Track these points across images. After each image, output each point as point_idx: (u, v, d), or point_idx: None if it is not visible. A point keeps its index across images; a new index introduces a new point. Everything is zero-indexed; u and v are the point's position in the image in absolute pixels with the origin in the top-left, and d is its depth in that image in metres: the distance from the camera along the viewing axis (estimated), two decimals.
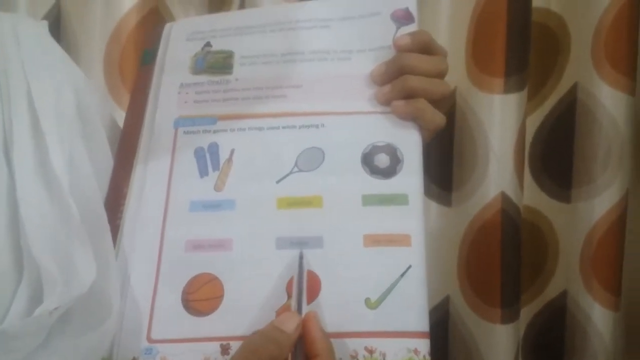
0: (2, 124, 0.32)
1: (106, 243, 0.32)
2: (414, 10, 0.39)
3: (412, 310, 0.32)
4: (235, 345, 0.31)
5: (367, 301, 0.32)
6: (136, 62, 0.48)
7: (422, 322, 0.31)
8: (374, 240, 0.33)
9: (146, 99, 0.38)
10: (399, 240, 0.33)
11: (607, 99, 0.56)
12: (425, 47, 0.37)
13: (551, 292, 0.60)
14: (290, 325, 0.29)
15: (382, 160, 0.35)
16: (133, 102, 0.39)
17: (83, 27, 0.58)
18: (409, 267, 0.32)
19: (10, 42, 0.34)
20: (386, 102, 0.36)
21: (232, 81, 0.38)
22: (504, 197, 0.56)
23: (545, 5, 0.59)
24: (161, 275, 0.33)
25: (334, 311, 0.31)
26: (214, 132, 0.37)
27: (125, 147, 0.37)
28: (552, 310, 0.60)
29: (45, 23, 0.39)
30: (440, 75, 0.37)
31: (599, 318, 0.57)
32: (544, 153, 0.61)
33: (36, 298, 0.28)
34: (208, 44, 0.40)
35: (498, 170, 0.56)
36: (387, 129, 0.36)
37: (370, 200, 0.34)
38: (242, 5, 0.64)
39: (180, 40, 0.40)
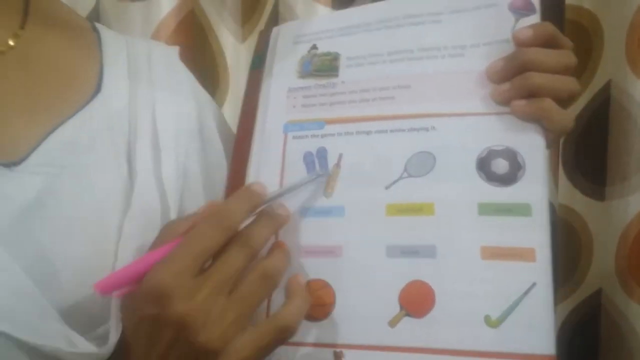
0: (128, 135, 0.33)
1: None
2: None
3: (536, 331, 0.27)
4: (348, 353, 0.29)
5: (487, 319, 0.28)
6: None
7: (548, 344, 0.27)
8: (492, 253, 0.29)
9: (256, 104, 0.37)
10: (522, 254, 0.29)
11: None
12: (550, 40, 0.31)
13: (586, 290, 0.55)
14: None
15: (501, 165, 0.31)
16: (244, 107, 0.38)
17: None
18: (533, 284, 0.28)
19: (143, 65, 0.37)
20: (505, 101, 0.32)
21: (338, 84, 0.35)
22: None
23: (578, 3, 0.53)
24: None
25: (451, 327, 0.28)
26: (322, 136, 0.34)
27: (239, 152, 0.36)
28: (587, 308, 0.55)
29: (176, 49, 0.41)
30: (568, 71, 0.31)
31: (634, 316, 0.51)
32: (578, 151, 0.55)
33: None
34: (314, 47, 0.38)
35: None
36: (505, 131, 0.31)
37: (487, 209, 0.30)
38: (275, 6, 0.61)
39: (288, 44, 0.38)
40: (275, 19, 0.60)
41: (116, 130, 0.33)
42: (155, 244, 0.29)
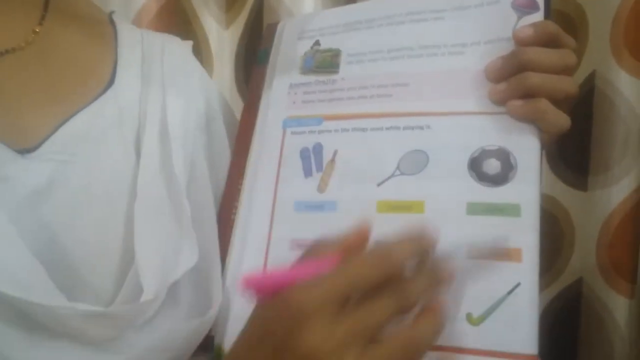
0: (138, 127, 0.35)
1: (212, 243, 0.34)
2: None
3: (518, 330, 0.28)
4: None
5: (468, 316, 0.28)
6: None
7: (529, 344, 0.27)
8: (479, 253, 0.29)
9: (259, 99, 0.38)
10: (508, 254, 0.29)
11: (626, 87, 0.51)
12: (551, 39, 0.31)
13: (567, 279, 0.56)
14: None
15: (492, 165, 0.31)
16: (248, 101, 0.39)
17: None
18: (518, 284, 0.28)
19: (156, 58, 0.38)
20: (501, 101, 0.32)
21: (338, 81, 0.36)
22: None
23: None
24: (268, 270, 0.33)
25: None
26: (319, 132, 0.35)
27: (241, 145, 0.37)
28: (568, 297, 0.56)
29: (190, 43, 0.42)
30: (567, 71, 0.31)
31: (614, 305, 0.52)
32: (561, 141, 0.54)
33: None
34: (317, 43, 0.38)
35: None
36: (499, 131, 0.31)
37: (476, 208, 0.30)
38: None
39: (292, 39, 0.39)
40: (259, 6, 0.59)
41: (126, 122, 0.35)
42: (304, 259, 0.26)
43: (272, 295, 0.24)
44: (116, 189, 0.33)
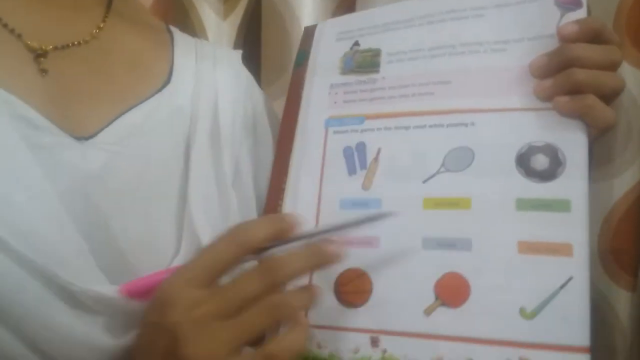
0: (189, 128, 0.36)
1: None
2: None
3: (572, 323, 0.28)
4: (384, 339, 0.30)
5: (522, 311, 0.28)
6: None
7: (582, 336, 0.28)
8: (529, 248, 0.29)
9: (299, 100, 0.39)
10: (559, 249, 0.29)
11: (629, 79, 0.49)
12: (596, 36, 0.31)
13: None
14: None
15: (540, 161, 0.31)
16: (288, 102, 0.39)
17: None
18: (570, 278, 0.28)
19: (208, 64, 0.40)
20: (547, 97, 0.31)
21: (379, 80, 0.36)
22: None
23: None
24: None
25: (485, 318, 0.29)
26: (362, 131, 0.35)
27: (283, 145, 0.38)
28: None
29: (239, 52, 0.44)
30: (613, 67, 0.31)
31: (616, 298, 0.51)
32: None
33: None
34: (356, 43, 0.39)
35: None
36: (546, 127, 0.31)
37: (525, 204, 0.30)
38: None
39: (331, 41, 0.40)
40: None
41: (178, 122, 0.36)
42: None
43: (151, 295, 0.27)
44: (166, 181, 0.34)
